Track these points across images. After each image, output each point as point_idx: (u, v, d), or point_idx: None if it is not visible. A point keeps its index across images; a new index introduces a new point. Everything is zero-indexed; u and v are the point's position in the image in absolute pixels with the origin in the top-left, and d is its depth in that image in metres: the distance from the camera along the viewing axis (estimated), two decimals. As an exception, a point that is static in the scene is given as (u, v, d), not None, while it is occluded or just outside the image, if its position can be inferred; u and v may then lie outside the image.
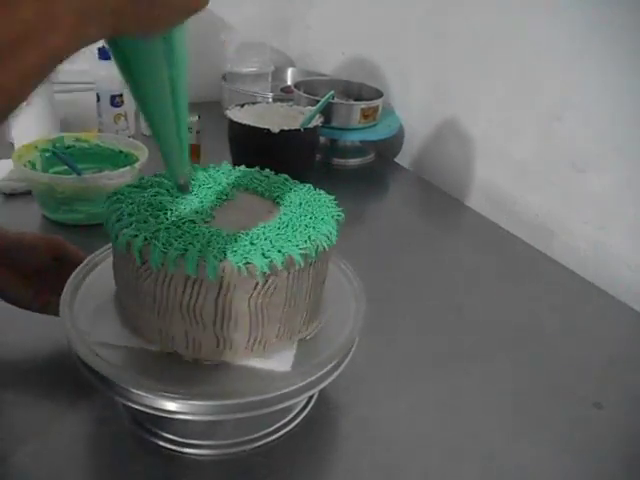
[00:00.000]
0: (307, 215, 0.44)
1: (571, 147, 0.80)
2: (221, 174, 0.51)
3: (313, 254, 0.40)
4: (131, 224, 0.40)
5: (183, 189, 0.42)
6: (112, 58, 0.31)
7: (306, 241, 0.40)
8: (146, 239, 0.39)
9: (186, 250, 0.38)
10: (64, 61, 0.24)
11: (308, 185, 0.50)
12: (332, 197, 0.48)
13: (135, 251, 0.38)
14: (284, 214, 0.44)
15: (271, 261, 0.38)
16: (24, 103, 0.23)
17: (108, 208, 0.43)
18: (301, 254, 0.39)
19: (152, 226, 0.40)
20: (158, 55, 0.32)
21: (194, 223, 0.42)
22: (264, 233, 0.41)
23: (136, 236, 0.39)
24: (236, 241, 0.39)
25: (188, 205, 0.45)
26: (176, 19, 0.29)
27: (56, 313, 0.51)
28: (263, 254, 0.38)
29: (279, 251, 0.39)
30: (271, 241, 0.40)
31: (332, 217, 0.44)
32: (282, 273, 0.39)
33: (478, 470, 0.47)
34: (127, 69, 0.32)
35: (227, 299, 0.39)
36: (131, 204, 0.43)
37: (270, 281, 0.39)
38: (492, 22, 0.90)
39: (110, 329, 0.44)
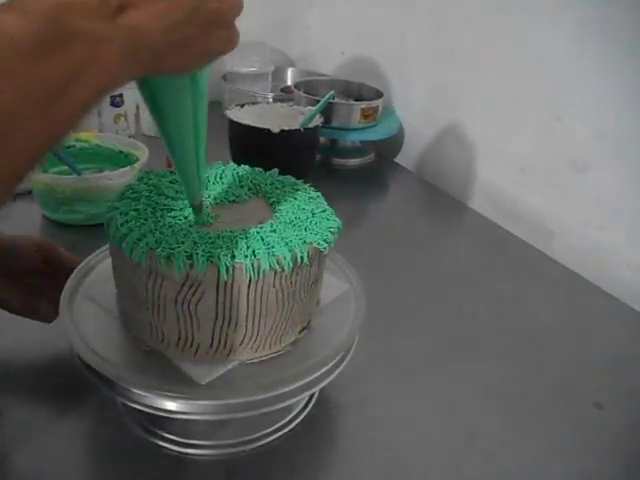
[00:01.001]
0: (304, 218, 0.44)
1: (571, 147, 0.80)
2: (223, 173, 0.51)
3: (305, 258, 0.40)
4: (130, 224, 0.40)
5: (197, 210, 0.43)
6: (140, 94, 0.33)
7: (298, 244, 0.40)
8: (139, 239, 0.39)
9: (173, 250, 0.38)
10: (107, 96, 0.26)
11: (308, 187, 0.50)
12: (326, 208, 0.47)
13: (128, 251, 0.39)
14: (281, 216, 0.44)
15: (259, 262, 0.38)
16: (66, 140, 0.25)
17: (110, 210, 0.43)
18: (291, 257, 0.39)
19: (151, 227, 0.40)
20: (185, 93, 0.33)
21: (191, 224, 0.42)
22: (259, 234, 0.41)
23: (138, 239, 0.39)
24: (231, 242, 0.39)
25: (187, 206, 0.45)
26: (207, 59, 0.30)
27: (45, 319, 0.51)
28: (254, 254, 0.38)
29: (268, 252, 0.39)
30: (263, 241, 0.40)
31: (328, 221, 0.44)
32: (269, 275, 0.39)
33: (478, 470, 0.47)
34: (154, 104, 0.33)
35: (223, 299, 0.39)
36: (133, 205, 0.43)
37: (264, 281, 0.39)
38: (492, 22, 0.90)
39: (110, 328, 0.44)
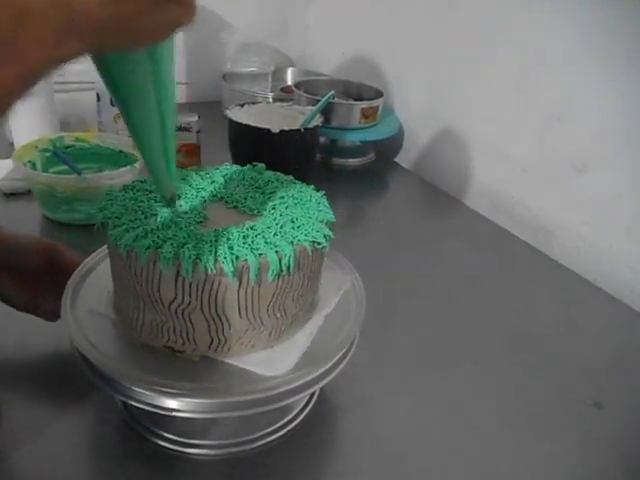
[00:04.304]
0: (298, 216, 0.44)
1: (571, 147, 0.80)
2: (217, 173, 0.51)
3: (292, 260, 0.40)
4: (123, 225, 0.41)
5: (169, 203, 0.42)
6: (99, 77, 0.31)
7: (290, 243, 0.40)
8: (136, 239, 0.39)
9: (199, 254, 0.38)
10: (46, 75, 0.24)
11: (304, 186, 0.50)
12: (322, 196, 0.48)
13: (142, 257, 0.39)
14: (272, 216, 0.44)
15: (242, 260, 0.38)
16: (2, 117, 0.24)
17: (102, 209, 0.43)
18: (277, 258, 0.39)
19: (146, 227, 0.40)
20: (144, 73, 0.31)
21: (184, 223, 0.42)
22: (249, 232, 0.41)
23: (137, 238, 0.39)
24: (215, 241, 0.39)
25: (182, 205, 0.45)
26: (161, 33, 0.28)
27: (48, 318, 0.51)
28: (237, 253, 0.38)
29: (252, 252, 0.39)
30: (255, 241, 0.40)
31: (321, 221, 0.44)
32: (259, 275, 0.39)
33: (478, 470, 0.47)
34: (114, 88, 0.31)
35: (217, 297, 0.39)
36: (123, 205, 0.43)
37: (259, 280, 0.39)
38: (492, 22, 0.90)
39: (110, 327, 0.44)
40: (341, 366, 0.44)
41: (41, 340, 0.54)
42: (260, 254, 0.39)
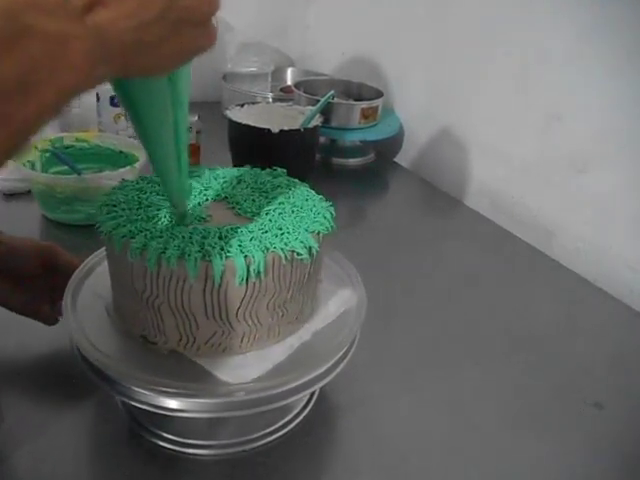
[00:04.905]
0: (282, 225, 0.43)
1: (571, 147, 0.80)
2: (219, 174, 0.51)
3: (261, 266, 0.39)
4: (124, 224, 0.41)
5: (181, 218, 0.43)
6: (117, 99, 0.32)
7: (289, 241, 0.40)
8: (116, 227, 0.40)
9: (166, 249, 0.38)
10: (76, 97, 0.25)
11: (313, 194, 0.49)
12: (328, 207, 0.46)
13: (116, 244, 0.40)
14: (262, 221, 0.44)
15: (250, 259, 0.38)
16: (32, 140, 0.24)
17: (101, 208, 0.44)
18: (267, 260, 0.39)
19: (145, 226, 0.41)
20: (163, 95, 0.32)
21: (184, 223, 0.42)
22: (251, 232, 0.41)
23: (117, 226, 0.40)
24: (189, 238, 0.39)
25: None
26: (183, 59, 0.29)
27: (46, 322, 0.51)
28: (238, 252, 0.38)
29: (219, 254, 0.38)
30: (255, 239, 0.40)
31: (312, 232, 0.43)
32: (265, 275, 0.39)
33: (478, 470, 0.47)
34: (131, 106, 0.32)
35: (182, 294, 0.39)
36: (124, 203, 0.44)
37: (257, 280, 0.39)
38: (492, 22, 0.90)
39: (111, 326, 0.44)
40: (341, 366, 0.44)
41: (41, 340, 0.54)
42: (227, 257, 0.38)
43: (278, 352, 0.43)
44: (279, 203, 0.46)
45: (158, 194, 0.46)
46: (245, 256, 0.38)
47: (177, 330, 0.41)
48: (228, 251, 0.38)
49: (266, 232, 0.41)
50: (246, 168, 0.53)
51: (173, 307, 0.40)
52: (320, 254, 0.44)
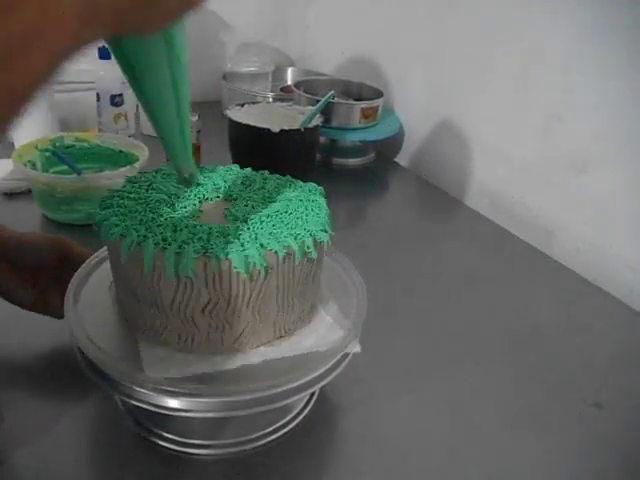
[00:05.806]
0: (295, 213, 0.44)
1: (571, 147, 0.80)
2: (217, 174, 0.51)
3: (279, 260, 0.39)
4: (122, 222, 0.41)
5: (187, 183, 0.43)
6: (113, 58, 0.32)
7: (290, 238, 0.40)
8: (123, 232, 0.40)
9: (167, 248, 0.38)
10: (68, 61, 0.24)
11: (313, 204, 0.47)
12: (324, 219, 0.45)
13: (111, 238, 0.40)
14: (274, 211, 0.44)
15: (250, 257, 0.38)
16: (28, 106, 0.23)
17: (101, 208, 0.44)
18: (259, 261, 0.39)
19: (143, 224, 0.41)
20: (159, 54, 0.32)
21: (183, 221, 0.42)
22: (250, 229, 0.41)
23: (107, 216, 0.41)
24: (224, 236, 0.39)
25: (180, 203, 0.45)
26: (175, 15, 0.29)
27: (56, 315, 0.51)
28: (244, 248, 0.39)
29: (238, 250, 0.38)
30: (256, 236, 0.40)
31: (284, 245, 0.41)
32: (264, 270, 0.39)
33: (478, 470, 0.47)
34: (129, 69, 0.32)
35: (159, 287, 0.39)
36: (122, 203, 0.44)
37: (258, 277, 0.39)
38: (492, 22, 0.90)
39: (112, 325, 0.44)
40: (341, 366, 0.44)
41: (42, 340, 0.54)
42: (227, 256, 0.38)
43: (254, 359, 0.43)
44: (275, 211, 0.45)
45: (160, 190, 0.46)
46: (245, 256, 0.38)
47: (175, 328, 0.41)
48: (228, 251, 0.38)
49: (265, 232, 0.41)
50: (248, 169, 0.52)
51: (168, 304, 0.40)
52: (320, 256, 0.44)
